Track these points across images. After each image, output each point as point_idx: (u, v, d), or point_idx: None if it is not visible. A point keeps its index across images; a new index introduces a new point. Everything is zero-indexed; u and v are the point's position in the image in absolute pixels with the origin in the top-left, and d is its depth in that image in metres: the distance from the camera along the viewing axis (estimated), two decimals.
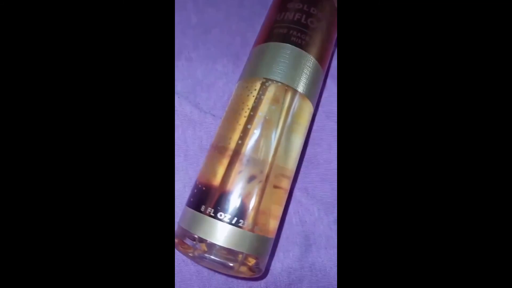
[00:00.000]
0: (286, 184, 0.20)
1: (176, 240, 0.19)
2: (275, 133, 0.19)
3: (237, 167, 0.18)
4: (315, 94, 0.21)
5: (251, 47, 0.29)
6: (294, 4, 0.22)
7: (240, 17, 0.29)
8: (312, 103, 0.21)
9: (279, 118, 0.19)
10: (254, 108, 0.19)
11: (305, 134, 0.21)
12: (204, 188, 0.18)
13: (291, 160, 0.20)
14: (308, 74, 0.20)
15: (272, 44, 0.21)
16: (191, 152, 0.24)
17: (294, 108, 0.20)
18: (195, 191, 0.19)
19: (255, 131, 0.18)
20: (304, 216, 0.24)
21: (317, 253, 0.24)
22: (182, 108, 0.25)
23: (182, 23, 0.28)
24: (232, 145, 0.19)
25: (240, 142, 0.18)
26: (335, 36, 0.24)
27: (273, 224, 0.19)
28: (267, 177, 0.18)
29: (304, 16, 0.21)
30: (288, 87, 0.19)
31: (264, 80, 0.19)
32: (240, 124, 0.19)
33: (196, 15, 0.28)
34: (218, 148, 0.19)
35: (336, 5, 0.23)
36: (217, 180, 0.18)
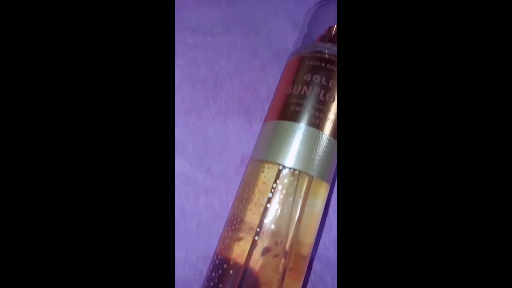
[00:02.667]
0: (305, 264, 0.20)
1: None
2: (292, 223, 0.18)
3: (254, 259, 0.18)
4: (331, 172, 0.21)
5: (263, 101, 0.28)
6: (311, 76, 0.21)
7: (251, 68, 0.28)
8: (328, 183, 0.20)
9: (297, 208, 0.18)
10: (270, 199, 0.18)
11: (322, 210, 0.21)
12: (220, 285, 0.18)
13: (310, 240, 0.20)
14: (326, 154, 0.20)
15: (287, 124, 0.20)
16: (204, 220, 0.24)
17: (311, 193, 0.19)
18: (212, 284, 0.18)
19: (272, 225, 0.18)
20: (317, 285, 0.24)
21: None
22: (193, 173, 0.24)
23: (192, 77, 0.27)
24: (249, 238, 0.18)
25: (256, 238, 0.18)
26: None
27: None
28: (286, 265, 0.18)
29: (322, 91, 0.20)
30: (306, 174, 0.19)
31: (281, 167, 0.19)
32: (256, 214, 0.18)
33: (206, 66, 0.27)
34: (233, 239, 0.19)
35: None
36: (235, 273, 0.18)
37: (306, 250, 0.20)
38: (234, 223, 0.19)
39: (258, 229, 0.18)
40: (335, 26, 0.25)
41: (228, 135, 0.26)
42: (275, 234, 0.18)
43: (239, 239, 0.19)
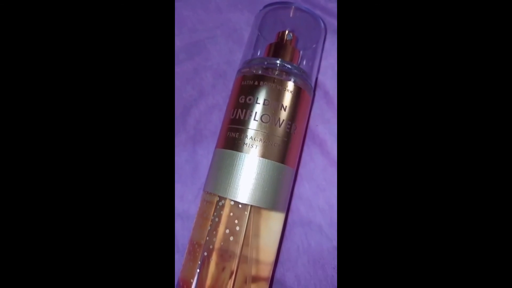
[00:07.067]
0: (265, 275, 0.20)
1: None
2: (239, 250, 0.18)
3: (205, 277, 0.18)
4: (282, 199, 0.20)
5: None
6: (245, 98, 0.20)
7: (215, 89, 0.28)
8: (281, 210, 0.20)
9: (242, 239, 0.18)
10: (210, 231, 0.19)
11: (278, 230, 0.20)
12: None
13: (265, 258, 0.20)
14: (270, 181, 0.19)
15: (224, 152, 0.20)
16: (180, 245, 0.25)
17: (258, 224, 0.19)
18: None
19: (217, 245, 0.18)
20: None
21: None
22: None
23: None
24: (198, 257, 0.19)
25: (205, 254, 0.18)
26: (303, 118, 0.21)
27: None
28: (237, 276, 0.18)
29: (256, 112, 0.19)
30: (246, 205, 0.18)
31: (218, 198, 0.19)
32: (203, 238, 0.19)
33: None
34: (187, 260, 0.20)
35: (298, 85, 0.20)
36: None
37: (264, 270, 0.20)
38: (190, 245, 0.20)
39: (206, 251, 0.18)
40: (287, 31, 0.23)
41: (197, 161, 0.26)
42: (222, 253, 0.18)
43: (191, 259, 0.19)
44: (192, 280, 0.18)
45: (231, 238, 0.18)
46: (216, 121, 0.27)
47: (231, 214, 0.18)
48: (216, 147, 0.21)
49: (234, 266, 0.18)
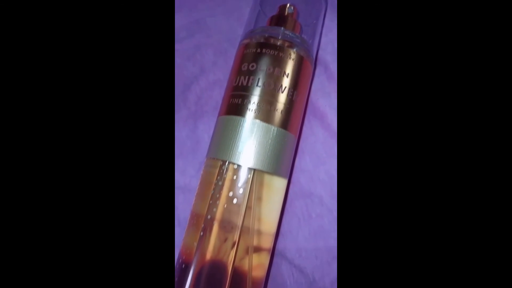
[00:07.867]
0: (266, 256, 0.20)
1: None
2: (242, 216, 0.18)
3: (206, 249, 0.18)
4: (284, 165, 0.20)
5: None
6: (248, 65, 0.20)
7: (216, 66, 0.28)
8: (283, 176, 0.20)
9: (246, 202, 0.18)
10: (219, 191, 0.19)
11: (279, 197, 0.20)
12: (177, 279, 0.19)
13: (267, 228, 0.20)
14: (273, 146, 0.19)
15: (228, 118, 0.20)
16: (185, 217, 0.25)
17: (261, 189, 0.19)
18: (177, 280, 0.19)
19: (219, 215, 0.18)
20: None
21: None
22: None
23: None
24: (198, 229, 0.19)
25: (210, 222, 0.18)
26: (304, 86, 0.21)
27: None
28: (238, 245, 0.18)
29: (259, 79, 0.20)
30: (249, 169, 0.19)
31: (221, 162, 0.19)
32: (204, 207, 0.19)
33: (175, 72, 0.28)
34: (188, 231, 0.20)
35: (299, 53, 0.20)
36: (187, 267, 0.19)
37: (265, 240, 0.20)
38: (192, 215, 0.20)
39: (209, 214, 0.18)
40: (287, 5, 0.23)
41: (198, 136, 0.27)
42: (224, 223, 0.18)
43: (193, 225, 0.19)
44: (195, 243, 0.18)
45: (235, 201, 0.18)
46: (217, 97, 0.27)
47: (234, 177, 0.18)
48: (219, 115, 0.21)
49: (236, 236, 0.18)
